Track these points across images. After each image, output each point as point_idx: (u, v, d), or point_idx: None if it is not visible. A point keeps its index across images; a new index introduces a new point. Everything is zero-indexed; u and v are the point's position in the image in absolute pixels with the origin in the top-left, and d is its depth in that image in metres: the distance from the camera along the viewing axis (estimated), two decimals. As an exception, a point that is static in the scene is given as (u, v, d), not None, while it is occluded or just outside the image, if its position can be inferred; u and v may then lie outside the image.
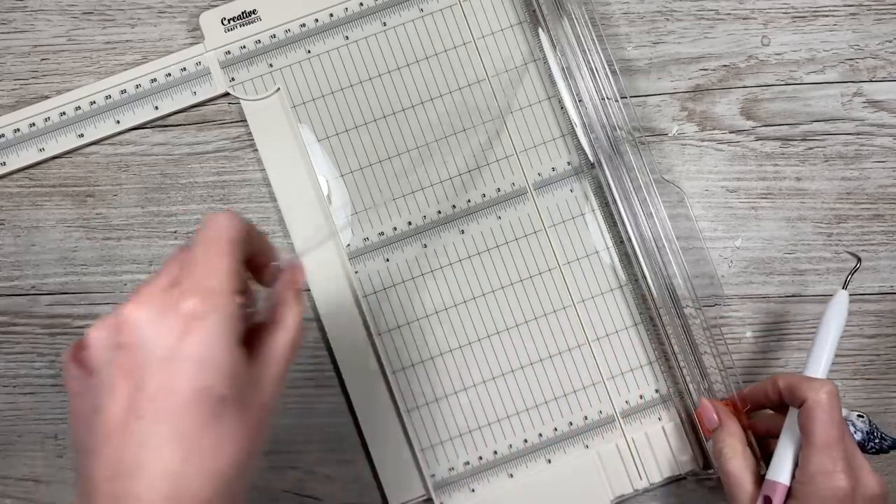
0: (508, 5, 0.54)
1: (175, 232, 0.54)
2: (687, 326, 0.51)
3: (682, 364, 0.51)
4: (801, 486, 0.43)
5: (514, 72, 0.53)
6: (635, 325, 0.52)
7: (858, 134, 0.54)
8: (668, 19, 0.54)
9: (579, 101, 0.52)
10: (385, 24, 0.53)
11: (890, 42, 0.54)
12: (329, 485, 0.53)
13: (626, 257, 0.52)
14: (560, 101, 0.53)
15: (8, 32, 0.54)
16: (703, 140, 0.54)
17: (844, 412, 0.48)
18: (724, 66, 0.54)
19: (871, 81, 0.54)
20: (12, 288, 0.54)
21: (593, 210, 0.53)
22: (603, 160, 0.51)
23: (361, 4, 0.53)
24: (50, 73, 0.54)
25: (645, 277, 0.51)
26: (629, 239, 0.51)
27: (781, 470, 0.44)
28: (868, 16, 0.54)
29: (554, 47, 0.52)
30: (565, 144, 0.53)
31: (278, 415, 0.53)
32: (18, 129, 0.52)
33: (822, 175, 0.54)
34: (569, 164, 0.53)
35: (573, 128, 0.52)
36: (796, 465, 0.44)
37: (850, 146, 0.54)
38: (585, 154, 0.52)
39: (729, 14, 0.54)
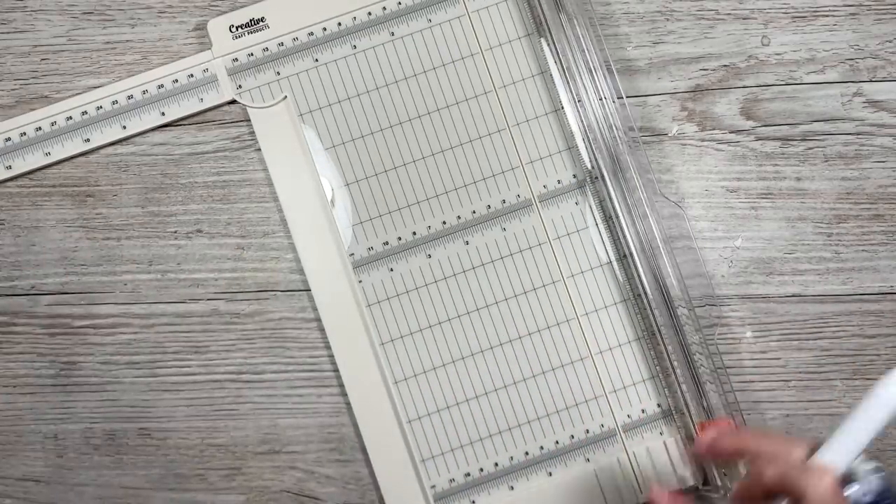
0: (516, 17, 0.54)
1: (175, 232, 0.54)
2: (679, 326, 0.51)
3: (674, 364, 0.51)
4: None
5: (520, 84, 0.53)
6: (637, 339, 0.52)
7: (858, 134, 0.54)
8: (668, 19, 0.54)
9: (578, 101, 0.52)
10: (393, 33, 0.53)
11: (890, 42, 0.54)
12: (329, 485, 0.53)
13: (629, 270, 0.52)
14: (560, 103, 0.53)
15: (8, 32, 0.54)
16: (703, 140, 0.54)
17: (857, 462, 0.40)
18: (724, 66, 0.54)
19: (871, 81, 0.54)
20: (12, 288, 0.54)
21: (597, 223, 0.53)
22: (601, 162, 0.51)
23: (370, 14, 0.53)
24: (50, 73, 0.54)
25: (641, 280, 0.51)
26: (625, 239, 0.51)
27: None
28: (868, 16, 0.54)
29: (554, 48, 0.52)
30: (571, 157, 0.53)
31: (278, 415, 0.53)
32: (25, 133, 0.52)
33: (822, 175, 0.54)
34: (574, 176, 0.53)
35: (572, 130, 0.52)
36: None
37: (850, 146, 0.54)
38: (589, 165, 0.52)
39: (729, 14, 0.54)
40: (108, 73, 0.54)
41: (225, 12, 0.54)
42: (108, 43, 0.54)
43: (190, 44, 0.54)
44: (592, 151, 0.52)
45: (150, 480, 0.53)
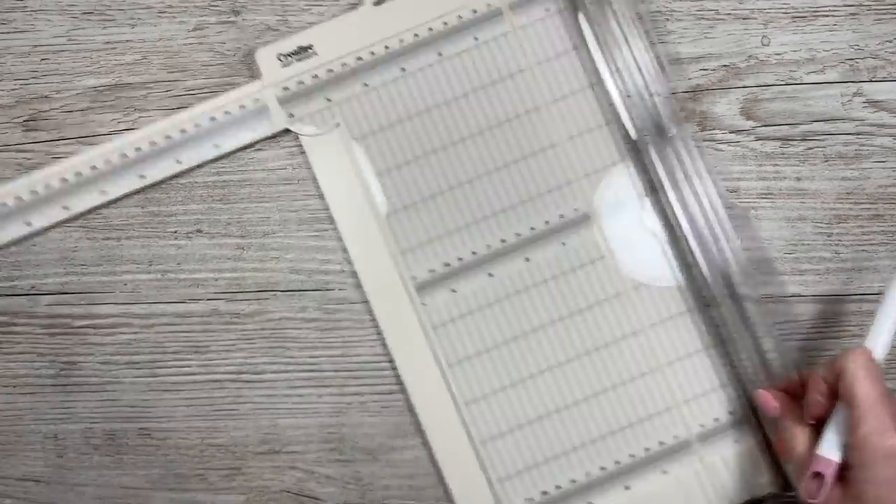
0: (563, 31, 0.53)
1: (175, 232, 0.54)
2: (749, 326, 0.50)
3: (748, 367, 0.51)
4: (856, 451, 0.43)
5: (571, 97, 0.53)
6: (706, 348, 0.52)
7: (858, 134, 0.54)
8: (668, 19, 0.54)
9: (627, 97, 0.52)
10: (440, 54, 0.53)
11: (890, 42, 0.54)
12: (329, 485, 0.53)
13: (693, 280, 0.52)
14: (610, 116, 0.53)
15: (8, 32, 0.54)
16: (702, 140, 0.54)
17: None
18: (724, 66, 0.54)
19: (871, 81, 0.54)
20: (12, 288, 0.54)
21: (657, 233, 0.52)
22: (659, 169, 0.51)
23: (416, 36, 0.53)
24: (50, 73, 0.54)
25: (701, 272, 0.51)
26: (688, 246, 0.51)
27: (832, 445, 0.44)
28: (868, 16, 0.54)
29: (598, 41, 0.52)
30: (625, 167, 0.53)
31: (278, 415, 0.53)
32: (80, 173, 0.52)
33: (822, 175, 0.54)
34: (631, 185, 0.53)
35: (617, 114, 0.52)
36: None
37: (850, 146, 0.54)
38: (648, 175, 0.52)
39: (729, 14, 0.54)
40: (108, 73, 0.54)
41: (224, 12, 0.54)
42: (108, 43, 0.54)
43: (189, 43, 0.54)
44: (651, 156, 0.52)
45: (150, 480, 0.53)
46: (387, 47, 0.53)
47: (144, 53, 0.54)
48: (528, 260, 0.52)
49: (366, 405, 0.54)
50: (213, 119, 0.52)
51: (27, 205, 0.52)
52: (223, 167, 0.54)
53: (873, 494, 0.42)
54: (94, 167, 0.52)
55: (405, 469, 0.53)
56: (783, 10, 0.54)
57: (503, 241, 0.52)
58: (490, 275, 0.52)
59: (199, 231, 0.54)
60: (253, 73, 0.53)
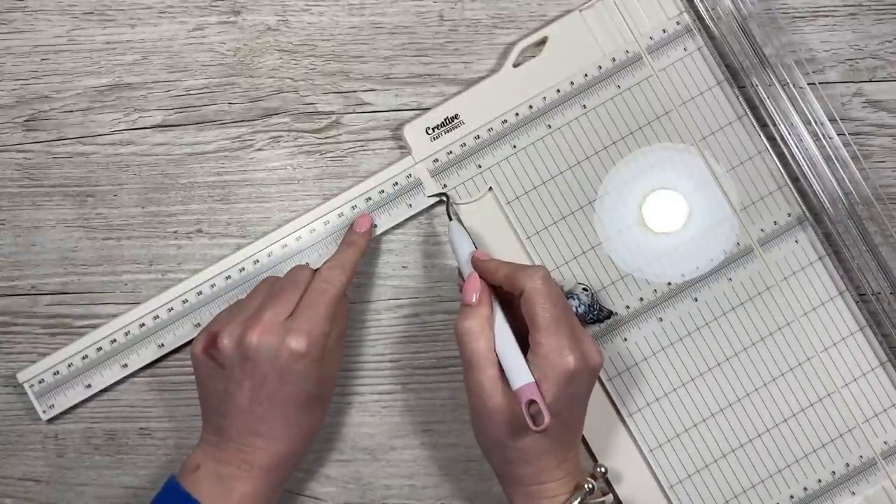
0: (704, 68, 0.53)
1: (175, 232, 0.54)
2: None
3: None
4: (535, 368, 0.44)
5: (720, 132, 0.53)
6: (881, 364, 0.52)
7: (858, 134, 0.54)
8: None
9: (793, 129, 0.52)
10: (585, 106, 0.53)
11: (890, 42, 0.54)
12: (329, 485, 0.53)
13: (863, 300, 0.52)
14: (765, 144, 0.53)
15: (8, 32, 0.54)
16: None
17: (571, 284, 0.52)
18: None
19: (871, 81, 0.54)
20: (12, 288, 0.54)
21: (821, 257, 0.52)
22: (822, 197, 0.52)
23: (559, 91, 0.53)
24: (50, 73, 0.54)
25: (881, 307, 0.52)
26: (858, 268, 0.51)
27: (523, 371, 0.44)
28: (868, 16, 0.54)
29: (759, 100, 0.52)
30: (783, 196, 0.53)
31: (278, 415, 0.52)
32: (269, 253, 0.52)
33: (822, 175, 0.54)
34: (789, 215, 0.53)
35: (794, 174, 0.52)
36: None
37: (850, 146, 0.54)
38: (808, 202, 0.52)
39: (729, 14, 0.54)
40: (109, 73, 0.54)
41: (224, 12, 0.54)
42: (108, 43, 0.54)
43: (190, 43, 0.54)
44: (811, 185, 0.52)
45: (150, 480, 0.53)
46: (531, 107, 0.53)
47: (144, 53, 0.54)
48: (696, 300, 0.53)
49: (366, 405, 0.54)
50: (368, 199, 0.52)
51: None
52: (223, 167, 0.54)
53: (555, 412, 0.44)
54: (269, 255, 0.53)
55: (405, 469, 0.53)
56: (783, 10, 0.54)
57: (669, 283, 0.53)
58: (660, 319, 0.53)
59: (199, 231, 0.54)
60: (402, 149, 0.53)
